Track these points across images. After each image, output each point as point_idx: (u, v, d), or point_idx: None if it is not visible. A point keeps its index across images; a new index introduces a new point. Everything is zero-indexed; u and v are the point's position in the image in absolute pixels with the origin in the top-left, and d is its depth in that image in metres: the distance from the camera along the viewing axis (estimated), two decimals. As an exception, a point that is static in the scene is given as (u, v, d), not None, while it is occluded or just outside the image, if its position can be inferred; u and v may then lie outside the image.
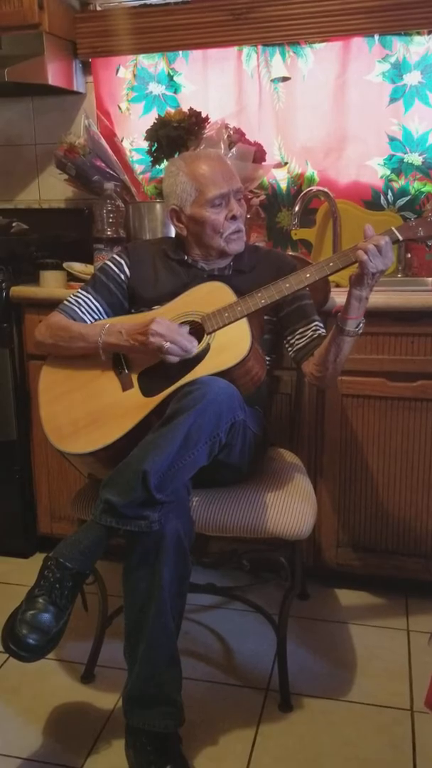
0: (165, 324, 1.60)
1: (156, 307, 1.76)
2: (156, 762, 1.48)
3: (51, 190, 2.80)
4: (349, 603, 2.19)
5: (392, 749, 1.60)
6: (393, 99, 2.42)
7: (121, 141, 2.67)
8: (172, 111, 2.43)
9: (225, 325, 1.63)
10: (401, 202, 2.47)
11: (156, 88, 2.62)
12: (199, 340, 1.62)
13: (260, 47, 2.47)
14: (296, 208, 2.42)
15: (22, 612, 1.40)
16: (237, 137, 2.41)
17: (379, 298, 1.91)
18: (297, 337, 1.79)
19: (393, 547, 2.13)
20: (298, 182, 2.56)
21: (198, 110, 2.39)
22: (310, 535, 1.70)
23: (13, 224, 2.53)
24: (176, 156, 2.04)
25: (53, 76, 2.51)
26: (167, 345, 1.57)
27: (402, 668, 1.87)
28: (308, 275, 1.64)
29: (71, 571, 1.42)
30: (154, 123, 2.41)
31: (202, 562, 1.87)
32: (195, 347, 1.60)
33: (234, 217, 1.74)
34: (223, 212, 1.73)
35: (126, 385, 1.65)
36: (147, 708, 1.50)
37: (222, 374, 1.55)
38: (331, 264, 1.62)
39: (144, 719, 1.50)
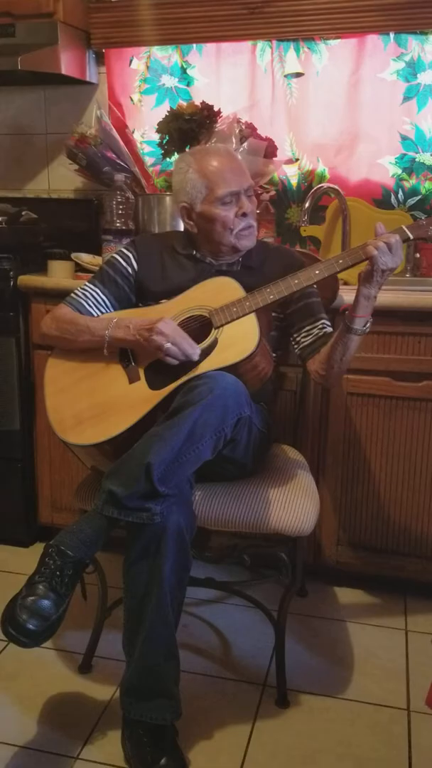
0: (171, 325, 1.60)
1: (164, 300, 1.76)
2: (152, 754, 1.48)
3: (61, 180, 2.79)
4: (348, 601, 2.19)
5: (388, 747, 1.60)
6: (406, 98, 2.41)
7: (132, 133, 2.66)
8: (185, 104, 2.42)
9: (233, 320, 1.62)
10: (412, 201, 2.47)
11: (169, 81, 2.61)
12: (207, 335, 1.62)
13: (274, 42, 2.46)
14: (306, 205, 2.41)
15: (22, 598, 1.40)
16: (249, 132, 2.40)
17: (387, 297, 1.91)
18: (303, 334, 1.79)
19: (393, 547, 2.13)
20: (309, 179, 2.55)
21: (210, 104, 2.38)
22: (311, 533, 1.70)
23: (23, 213, 2.52)
24: (186, 151, 2.03)
25: (66, 65, 2.50)
26: (167, 345, 1.57)
27: (399, 667, 1.88)
28: (317, 272, 1.64)
29: (72, 559, 1.42)
30: (166, 115, 2.40)
31: (203, 557, 1.87)
32: (197, 354, 1.59)
33: (245, 214, 1.73)
34: (234, 209, 1.72)
35: (133, 378, 1.65)
36: (144, 700, 1.50)
37: (229, 369, 1.55)
38: (340, 261, 1.62)
39: (141, 711, 1.50)
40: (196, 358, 1.59)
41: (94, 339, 1.69)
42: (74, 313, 1.76)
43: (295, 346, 1.82)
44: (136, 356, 1.68)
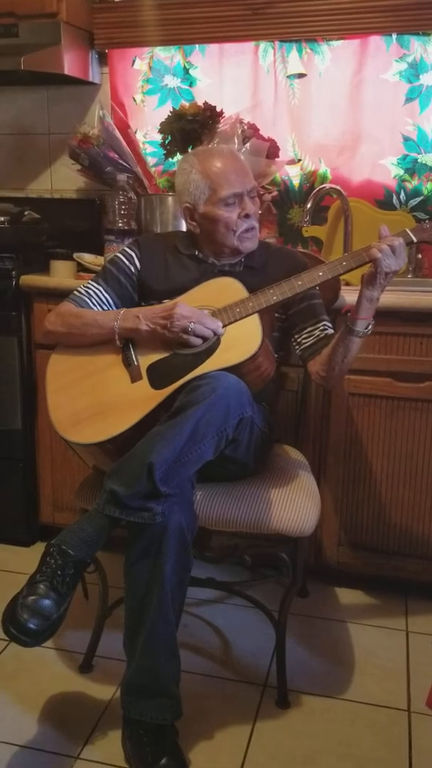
0: (188, 307, 1.61)
1: (166, 300, 1.76)
2: (152, 754, 1.49)
3: (63, 180, 2.80)
4: (349, 602, 2.19)
5: (388, 748, 1.60)
6: (409, 99, 2.41)
7: (135, 133, 2.66)
8: (187, 104, 2.43)
9: (236, 321, 1.63)
10: (414, 202, 2.47)
11: (171, 81, 2.62)
12: (210, 335, 1.63)
13: (277, 43, 2.47)
14: (308, 205, 2.41)
15: (23, 597, 1.40)
16: (251, 132, 2.40)
17: (389, 298, 1.91)
18: (305, 335, 1.79)
19: (394, 547, 2.13)
20: (311, 179, 2.55)
21: (213, 104, 2.39)
22: (312, 533, 1.70)
23: (25, 213, 2.52)
24: (189, 151, 2.03)
25: (69, 65, 2.51)
26: (192, 325, 1.58)
27: (400, 668, 1.88)
28: (321, 273, 1.64)
29: (73, 559, 1.42)
30: (169, 116, 2.40)
31: (204, 557, 1.87)
32: (221, 327, 1.61)
33: (247, 215, 1.73)
34: (237, 210, 1.72)
35: (135, 377, 1.64)
36: (145, 699, 1.50)
37: (231, 369, 1.55)
38: (344, 263, 1.62)
39: (142, 711, 1.50)
40: (221, 331, 1.61)
41: (102, 332, 1.69)
42: (78, 308, 1.76)
43: (296, 347, 1.82)
44: (139, 355, 1.68)
